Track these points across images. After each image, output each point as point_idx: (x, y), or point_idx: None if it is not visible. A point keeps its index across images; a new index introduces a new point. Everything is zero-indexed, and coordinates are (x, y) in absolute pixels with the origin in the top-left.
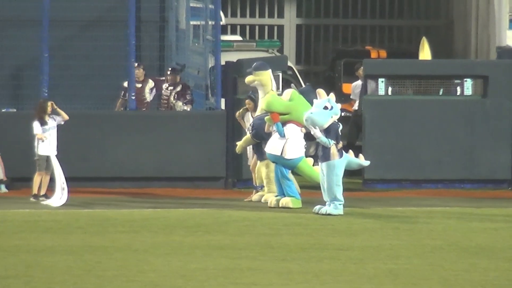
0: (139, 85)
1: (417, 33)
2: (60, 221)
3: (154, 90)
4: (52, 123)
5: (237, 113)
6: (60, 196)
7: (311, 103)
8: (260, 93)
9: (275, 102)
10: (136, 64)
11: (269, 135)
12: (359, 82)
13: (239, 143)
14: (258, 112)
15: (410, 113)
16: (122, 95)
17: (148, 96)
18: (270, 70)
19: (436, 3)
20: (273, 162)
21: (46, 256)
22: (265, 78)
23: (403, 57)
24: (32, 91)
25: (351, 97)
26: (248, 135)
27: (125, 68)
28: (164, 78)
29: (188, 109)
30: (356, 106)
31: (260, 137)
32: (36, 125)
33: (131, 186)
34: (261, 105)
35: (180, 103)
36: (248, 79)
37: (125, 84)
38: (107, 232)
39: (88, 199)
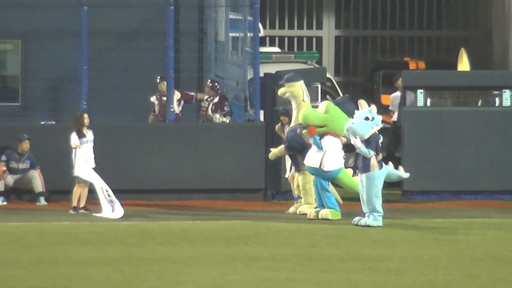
0: (165, 98)
1: (456, 44)
2: (99, 233)
3: (182, 102)
4: (90, 136)
5: (276, 127)
6: (111, 208)
7: (347, 114)
8: (293, 104)
9: (311, 115)
10: (159, 78)
11: (302, 146)
12: (397, 93)
13: (273, 150)
14: (292, 124)
15: (448, 124)
16: (152, 110)
17: (177, 108)
18: (301, 81)
19: (474, 13)
20: (313, 174)
21: (84, 268)
22: (297, 90)
23: (442, 68)
24: (71, 103)
25: (389, 108)
26: (282, 148)
27: (164, 79)
28: (193, 93)
29: (227, 121)
30: (395, 117)
31: (293, 149)
32: (73, 136)
33: (170, 198)
34: (298, 117)
35: (217, 116)
36: (281, 91)
37: (153, 99)
38: (146, 244)
39: (127, 211)
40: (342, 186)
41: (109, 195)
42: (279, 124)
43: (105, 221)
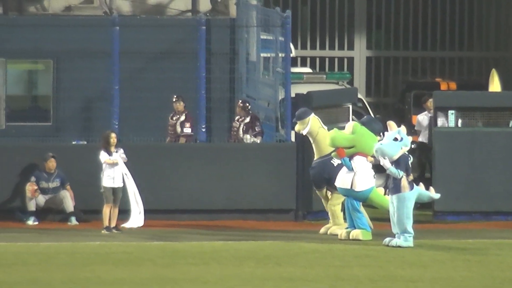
0: (176, 118)
1: (487, 65)
2: (131, 253)
3: (187, 125)
4: (117, 155)
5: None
6: (136, 218)
7: (374, 133)
8: (310, 138)
9: (338, 138)
10: (175, 97)
11: (327, 179)
12: (425, 114)
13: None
14: (315, 157)
15: (479, 145)
16: (170, 131)
17: (179, 130)
18: (312, 115)
19: (505, 34)
20: (345, 195)
21: None
22: (310, 125)
23: (473, 89)
24: (102, 123)
25: (415, 128)
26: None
27: (195, 100)
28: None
29: (258, 141)
30: (422, 138)
31: (321, 186)
32: (102, 154)
33: (202, 218)
34: (317, 152)
35: (248, 136)
36: (296, 128)
37: (172, 119)
38: (177, 264)
39: (158, 231)
40: (374, 205)
41: (137, 202)
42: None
43: (137, 241)
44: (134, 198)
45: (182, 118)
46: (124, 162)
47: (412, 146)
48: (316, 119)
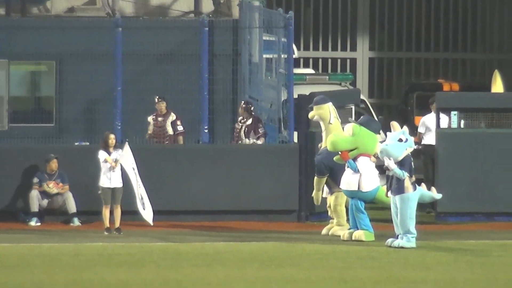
0: (160, 119)
1: (490, 66)
2: (134, 255)
3: (178, 122)
4: (115, 155)
5: (320, 145)
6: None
7: (374, 132)
8: (322, 126)
9: (339, 141)
10: (157, 98)
11: (331, 168)
12: (431, 115)
13: (314, 194)
14: (322, 146)
15: (482, 146)
16: (157, 132)
17: (170, 130)
18: (330, 104)
19: (509, 36)
20: (351, 197)
21: None
22: (325, 112)
23: (476, 90)
24: (105, 124)
25: (419, 130)
26: (315, 178)
27: (198, 101)
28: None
29: (260, 142)
30: (429, 140)
31: (323, 173)
32: (101, 153)
33: (204, 219)
34: (327, 144)
35: (247, 140)
36: (310, 114)
37: (149, 119)
38: (180, 266)
39: (161, 232)
40: (381, 204)
41: (141, 198)
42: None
43: (140, 242)
44: (138, 192)
45: (172, 118)
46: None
47: (419, 147)
48: (333, 107)
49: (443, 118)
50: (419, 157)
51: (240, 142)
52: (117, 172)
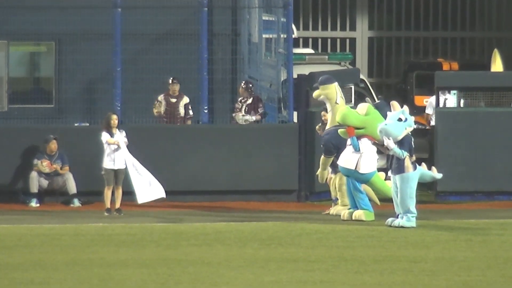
0: (174, 100)
1: (489, 45)
2: (134, 235)
3: (189, 107)
4: (119, 137)
5: (317, 127)
6: (145, 191)
7: (385, 118)
8: (327, 106)
9: (350, 116)
10: (171, 79)
11: (338, 148)
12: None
13: (319, 172)
14: (328, 126)
15: (482, 125)
16: (154, 107)
17: (182, 112)
18: (336, 83)
19: (508, 15)
20: (346, 175)
21: (119, 269)
22: (331, 92)
23: (475, 69)
24: (104, 105)
25: (426, 111)
26: (322, 157)
27: (197, 81)
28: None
29: (252, 118)
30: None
31: (330, 152)
32: (104, 134)
33: (204, 199)
34: (333, 118)
35: (240, 115)
36: (315, 94)
37: (160, 98)
38: (180, 246)
39: (161, 212)
40: (374, 189)
41: (139, 174)
42: (319, 124)
43: (140, 222)
44: (136, 172)
45: (186, 100)
46: (124, 144)
47: (427, 128)
48: (339, 87)
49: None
50: (423, 137)
51: (238, 116)
52: (120, 154)
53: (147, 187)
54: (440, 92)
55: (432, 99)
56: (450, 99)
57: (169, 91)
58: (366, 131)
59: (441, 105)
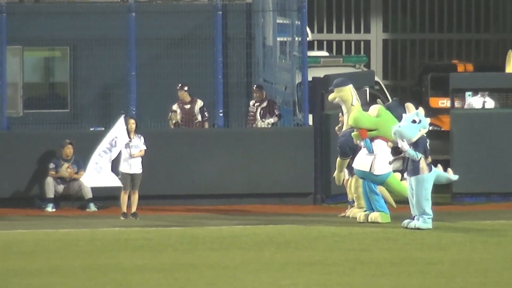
0: (188, 106)
1: (504, 46)
2: (151, 239)
3: (205, 109)
4: (136, 141)
5: (337, 127)
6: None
7: (398, 118)
8: (343, 108)
9: (362, 118)
10: (179, 85)
11: (354, 150)
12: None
13: (335, 174)
14: (344, 128)
15: (497, 126)
16: (169, 117)
17: (199, 116)
18: (351, 85)
19: None
20: (361, 178)
21: (136, 274)
22: (346, 94)
23: (490, 71)
24: (120, 109)
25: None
26: (338, 159)
27: (212, 85)
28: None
29: (271, 121)
30: None
31: (346, 154)
32: (122, 137)
33: (220, 203)
34: (348, 121)
35: (260, 122)
36: (330, 96)
37: (175, 107)
38: (197, 250)
39: (177, 216)
40: (391, 190)
41: (96, 162)
42: (339, 125)
43: (156, 226)
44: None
45: (200, 104)
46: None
47: (436, 129)
48: (354, 90)
49: (476, 100)
50: (440, 138)
51: (255, 124)
52: (137, 158)
53: (95, 174)
54: (479, 94)
55: (472, 100)
56: (489, 102)
57: (181, 98)
58: (379, 133)
59: (479, 106)
